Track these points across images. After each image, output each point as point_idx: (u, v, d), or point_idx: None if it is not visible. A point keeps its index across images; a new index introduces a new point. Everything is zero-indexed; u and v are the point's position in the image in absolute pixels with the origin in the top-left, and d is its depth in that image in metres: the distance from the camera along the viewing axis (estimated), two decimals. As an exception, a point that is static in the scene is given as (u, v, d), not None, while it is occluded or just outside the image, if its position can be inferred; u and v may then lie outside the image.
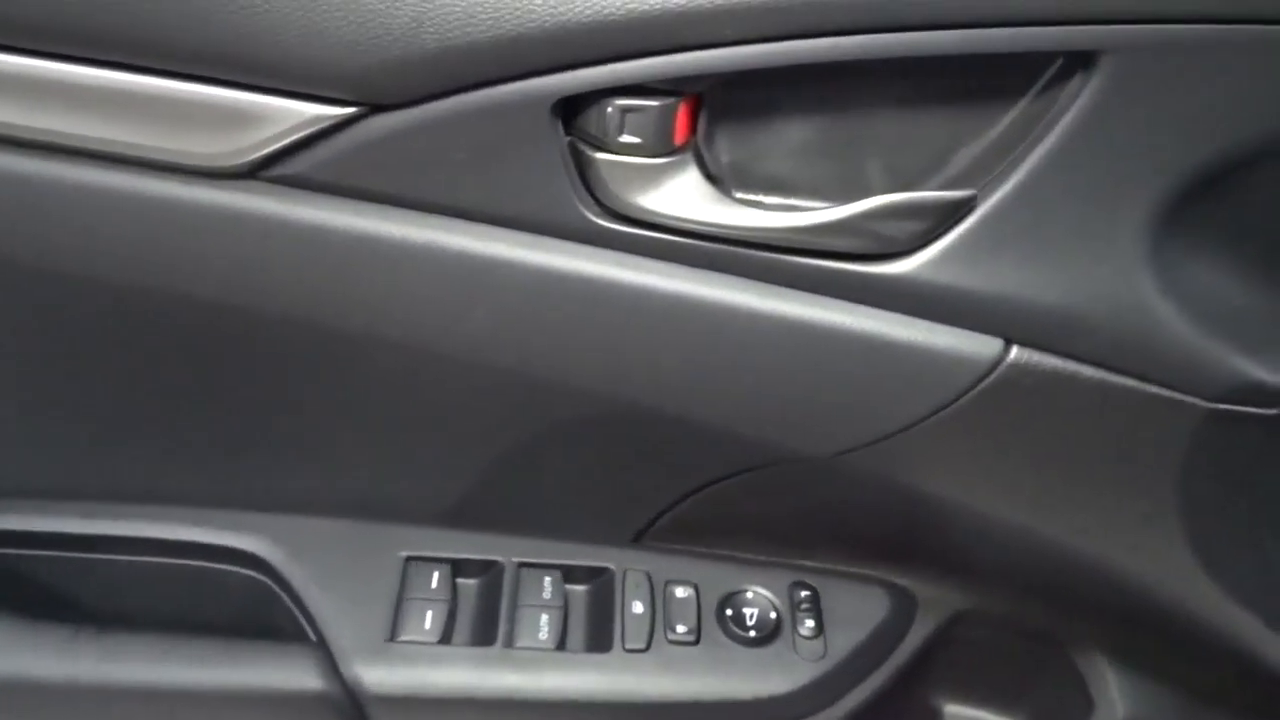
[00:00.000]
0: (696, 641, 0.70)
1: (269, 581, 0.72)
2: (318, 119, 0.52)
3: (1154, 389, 0.57)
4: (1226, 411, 0.57)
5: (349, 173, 0.54)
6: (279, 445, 0.69)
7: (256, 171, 0.54)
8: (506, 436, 0.67)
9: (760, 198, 0.56)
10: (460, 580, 0.72)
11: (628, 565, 0.73)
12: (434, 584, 0.70)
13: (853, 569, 0.76)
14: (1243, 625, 0.69)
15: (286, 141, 0.52)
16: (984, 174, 0.53)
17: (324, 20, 0.49)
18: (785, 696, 0.69)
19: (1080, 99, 0.50)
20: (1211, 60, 0.49)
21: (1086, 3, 0.48)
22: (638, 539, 0.74)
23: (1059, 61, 0.51)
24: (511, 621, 0.69)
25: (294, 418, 0.67)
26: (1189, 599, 0.68)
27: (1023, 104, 0.52)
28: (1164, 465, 0.61)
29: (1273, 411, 0.58)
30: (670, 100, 0.51)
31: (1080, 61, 0.50)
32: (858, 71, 0.51)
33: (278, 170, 0.54)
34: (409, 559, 0.72)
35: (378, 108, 0.51)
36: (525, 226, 0.55)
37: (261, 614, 0.72)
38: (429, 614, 0.69)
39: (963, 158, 0.54)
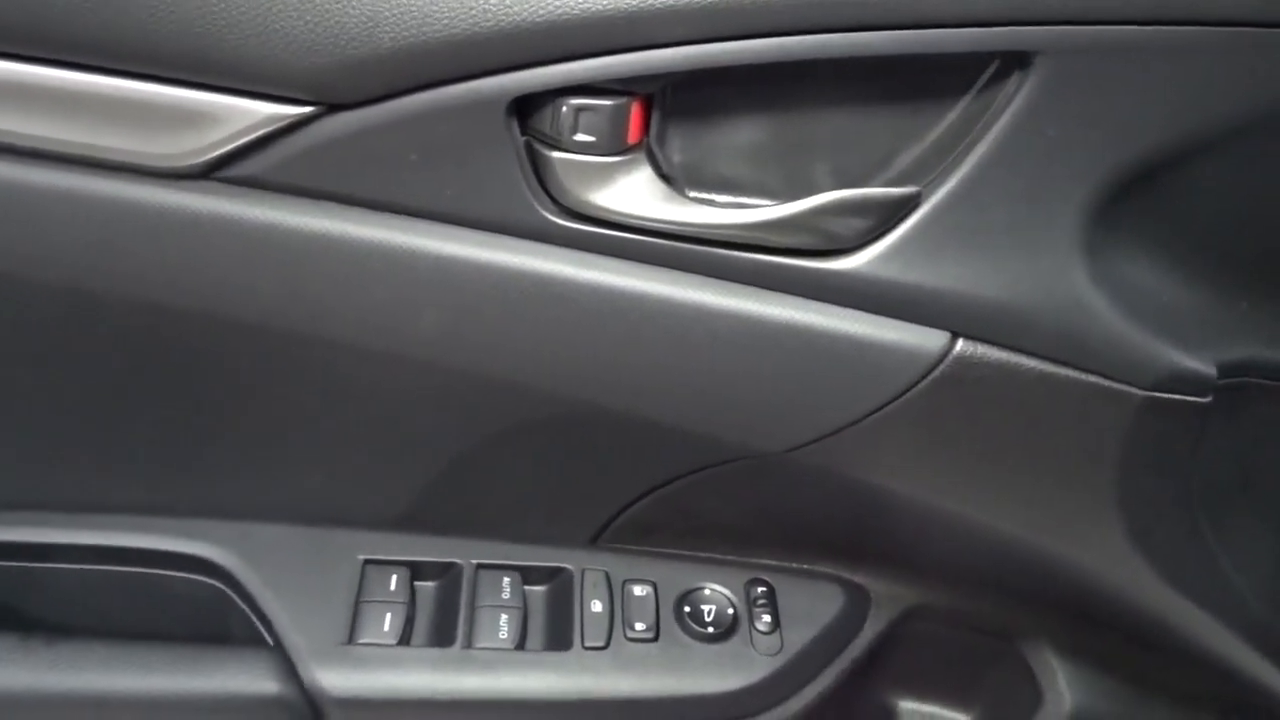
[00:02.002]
0: (655, 639, 0.71)
1: (224, 588, 0.71)
2: (273, 119, 0.52)
3: (1092, 379, 0.59)
4: (1161, 400, 0.59)
5: (305, 173, 0.54)
6: (234, 451, 0.69)
7: (212, 172, 0.54)
8: (462, 439, 0.67)
9: (711, 196, 0.57)
10: (418, 583, 0.72)
11: (586, 565, 0.74)
12: (392, 586, 0.70)
13: (807, 566, 0.77)
14: (1182, 613, 0.71)
15: (242, 141, 0.53)
16: (928, 172, 0.55)
17: (280, 20, 0.50)
18: (743, 691, 0.70)
19: (1017, 99, 0.52)
20: (1141, 61, 0.52)
21: (1020, 5, 0.50)
22: (595, 540, 0.75)
23: (996, 63, 0.53)
24: (470, 622, 0.70)
25: (249, 422, 0.67)
26: (1131, 589, 0.70)
27: (963, 104, 0.54)
28: (1104, 455, 0.63)
29: (1205, 400, 0.60)
30: (623, 100, 0.53)
31: (1016, 62, 0.52)
32: (804, 73, 0.53)
33: (233, 170, 0.54)
34: (367, 562, 0.72)
35: (334, 107, 0.52)
36: (481, 225, 0.56)
37: (217, 621, 0.71)
38: (387, 616, 0.69)
39: (907, 156, 0.56)
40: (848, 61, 0.52)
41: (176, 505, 0.71)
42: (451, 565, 0.73)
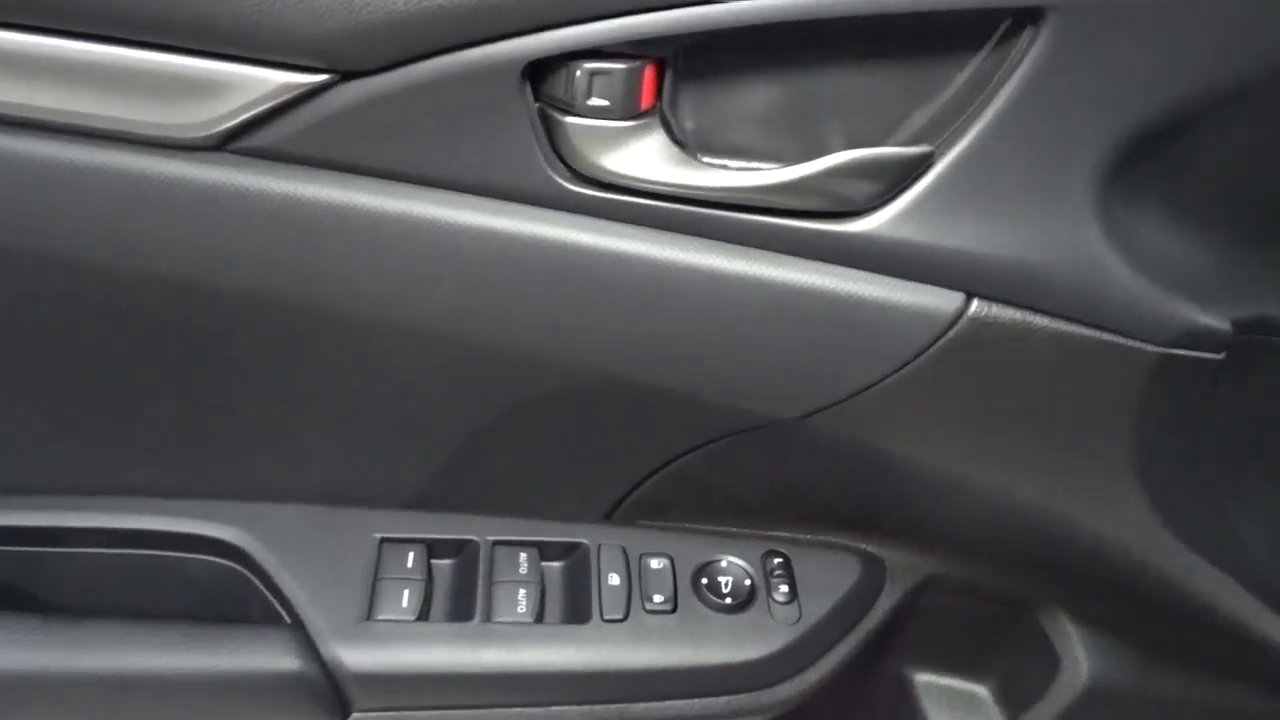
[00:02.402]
0: (673, 610, 0.71)
1: (241, 569, 0.71)
2: (287, 87, 0.52)
3: (1107, 337, 0.59)
4: (1176, 357, 0.59)
5: (319, 142, 0.54)
6: (248, 430, 0.69)
7: (225, 143, 0.54)
8: (477, 414, 0.67)
9: (724, 160, 0.57)
10: (435, 561, 0.72)
11: (602, 540, 0.74)
12: (409, 564, 0.70)
13: (823, 538, 0.77)
14: (1198, 575, 0.71)
15: (256, 111, 0.53)
16: (941, 131, 0.55)
17: None
18: (763, 661, 0.70)
19: (1029, 56, 0.52)
20: (1155, 15, 0.52)
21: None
22: (609, 516, 0.75)
23: (1008, 19, 0.53)
24: (489, 597, 0.70)
25: (263, 400, 0.67)
26: (1147, 550, 0.70)
27: (976, 62, 0.54)
28: (1120, 415, 0.63)
29: (1218, 357, 0.60)
30: (636, 63, 0.53)
31: (1028, 18, 0.52)
32: (815, 34, 0.53)
33: (247, 141, 0.54)
34: (383, 541, 0.72)
35: (348, 75, 0.52)
36: (495, 192, 0.56)
37: (234, 602, 0.71)
38: (406, 593, 0.69)
39: (920, 116, 0.56)
40: (859, 21, 0.52)
41: (191, 487, 0.71)
42: (468, 542, 0.73)
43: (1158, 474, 0.66)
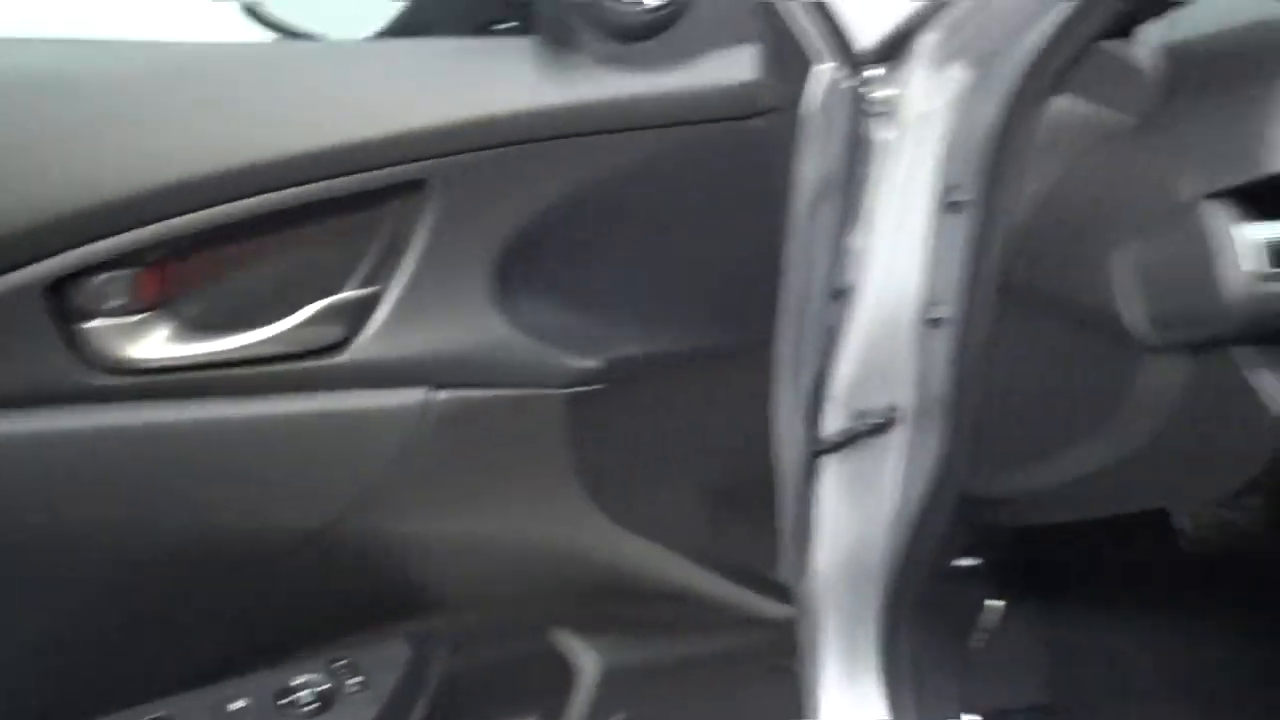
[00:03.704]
0: None
1: None
2: None
3: (526, 391, 0.83)
4: (574, 394, 0.85)
5: None
6: None
7: None
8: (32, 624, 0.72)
9: (223, 330, 0.72)
10: None
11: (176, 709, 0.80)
12: None
13: (375, 634, 0.90)
14: (646, 556, 0.95)
15: None
16: (383, 273, 0.76)
17: None
18: None
19: (428, 209, 0.75)
20: (487, 173, 0.78)
21: (406, 149, 0.74)
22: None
23: (406, 188, 0.75)
24: None
25: None
26: (606, 549, 0.92)
27: (395, 218, 0.76)
28: (554, 449, 0.86)
29: (602, 387, 0.86)
30: (141, 268, 0.67)
31: (418, 186, 0.75)
32: (266, 224, 0.71)
33: None
34: None
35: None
36: (36, 399, 0.65)
37: None
38: None
39: (367, 264, 0.76)
40: (292, 209, 0.71)
41: None
42: None
43: (598, 483, 0.89)
